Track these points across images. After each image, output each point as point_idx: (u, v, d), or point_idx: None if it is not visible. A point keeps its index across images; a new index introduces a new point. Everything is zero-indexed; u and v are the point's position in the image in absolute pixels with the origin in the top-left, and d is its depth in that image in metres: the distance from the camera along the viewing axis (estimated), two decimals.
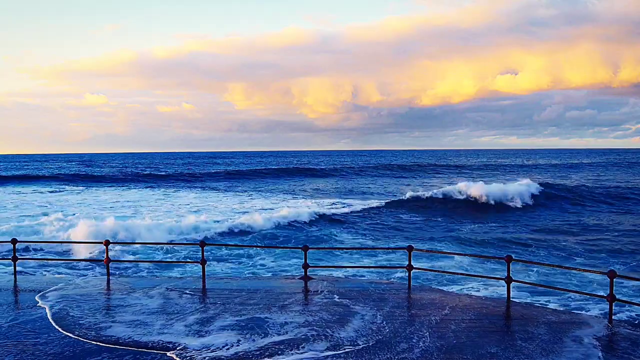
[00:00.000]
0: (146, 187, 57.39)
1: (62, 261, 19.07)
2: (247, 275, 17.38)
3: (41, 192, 50.23)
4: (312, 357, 7.28)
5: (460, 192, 39.99)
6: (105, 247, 12.43)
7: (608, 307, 9.15)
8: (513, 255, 11.22)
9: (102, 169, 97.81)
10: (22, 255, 15.75)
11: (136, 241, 22.51)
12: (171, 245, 21.52)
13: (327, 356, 7.32)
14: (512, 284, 10.21)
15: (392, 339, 7.99)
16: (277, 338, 8.03)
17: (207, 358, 7.27)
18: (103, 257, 12.76)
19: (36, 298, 10.50)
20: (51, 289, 11.27)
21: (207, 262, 13.15)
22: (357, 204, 38.13)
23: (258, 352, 7.44)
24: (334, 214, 33.29)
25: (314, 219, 30.81)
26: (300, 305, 9.89)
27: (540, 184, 43.88)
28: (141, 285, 11.66)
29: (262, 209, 35.91)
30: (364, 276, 16.79)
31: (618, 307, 13.06)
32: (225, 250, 21.22)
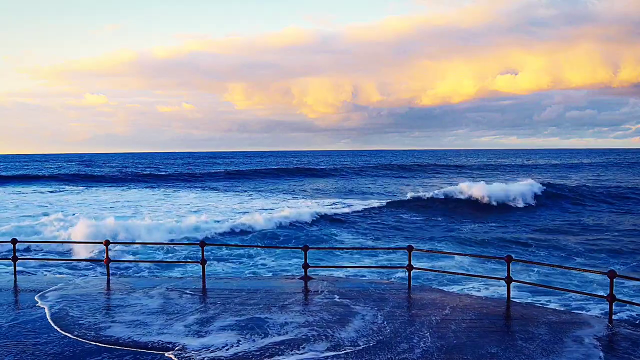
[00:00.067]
0: (146, 187, 57.38)
1: (62, 261, 19.06)
2: (248, 275, 17.38)
3: (41, 192, 50.22)
4: (313, 358, 7.26)
5: (461, 193, 39.93)
6: (105, 247, 12.42)
7: (608, 307, 9.14)
8: (513, 255, 11.22)
9: (102, 169, 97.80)
10: (22, 255, 15.74)
11: (136, 241, 22.49)
12: (171, 245, 21.51)
13: (328, 357, 7.30)
14: (513, 284, 10.20)
15: (393, 339, 7.97)
16: (277, 338, 8.01)
17: (206, 358, 7.26)
18: (103, 257, 12.75)
19: (35, 298, 10.48)
20: (51, 289, 11.25)
21: (208, 262, 13.15)
22: (357, 204, 38.12)
23: (258, 353, 7.42)
24: (334, 214, 33.27)
25: (314, 219, 30.79)
26: (301, 305, 9.87)
27: (541, 184, 43.88)
28: (141, 285, 11.64)
29: (262, 209, 35.89)
30: (364, 276, 16.78)
31: (618, 307, 13.05)
32: (226, 250, 21.21)
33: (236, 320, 8.90)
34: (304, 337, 8.07)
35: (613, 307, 9.15)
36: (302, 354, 7.39)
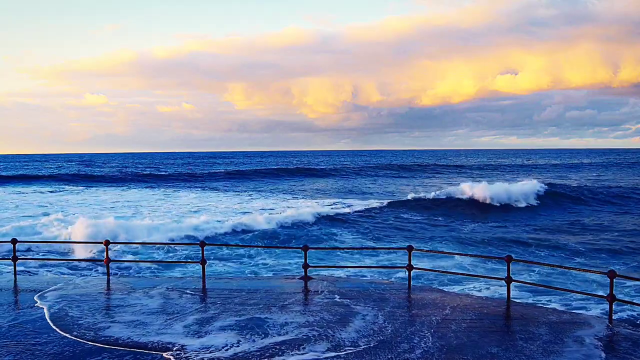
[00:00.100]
0: (146, 187, 57.36)
1: (63, 261, 19.04)
2: (248, 275, 17.36)
3: (41, 192, 50.21)
4: (314, 358, 7.24)
5: (462, 194, 39.76)
6: (105, 247, 12.40)
7: (608, 307, 9.13)
8: (515, 255, 11.22)
9: (102, 169, 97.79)
10: (22, 255, 15.72)
11: (136, 241, 22.48)
12: (171, 245, 21.50)
13: (329, 357, 7.28)
14: (514, 283, 10.19)
15: (393, 339, 7.96)
16: (277, 338, 7.99)
17: (205, 359, 7.24)
18: (103, 257, 12.73)
19: (35, 298, 10.45)
20: (50, 288, 11.23)
21: (208, 262, 13.13)
22: (357, 204, 38.10)
23: (258, 353, 7.40)
24: (334, 214, 33.23)
25: (314, 218, 30.76)
26: (301, 306, 9.85)
27: (543, 184, 43.83)
28: (141, 285, 11.62)
29: (263, 209, 35.89)
30: (365, 276, 16.77)
31: (619, 307, 13.04)
32: (226, 250, 21.20)
33: (236, 320, 8.88)
34: (304, 337, 8.04)
35: (613, 307, 9.14)
36: (302, 354, 7.36)
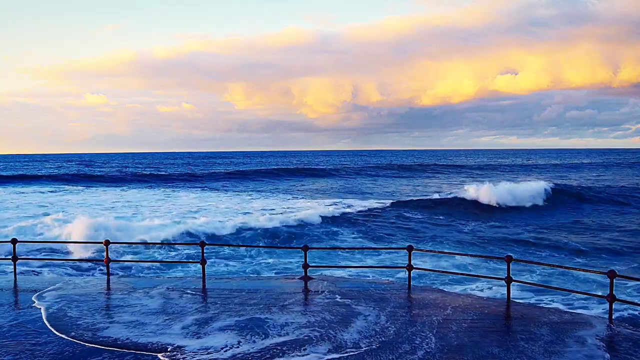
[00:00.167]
0: (146, 187, 57.31)
1: (62, 261, 19.01)
2: (248, 275, 17.33)
3: (41, 192, 50.16)
4: None
5: (467, 195, 39.53)
6: (105, 247, 12.38)
7: (608, 307, 9.11)
8: (516, 255, 11.20)
9: (102, 169, 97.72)
10: (22, 256, 15.69)
11: (136, 241, 22.46)
12: (172, 245, 21.48)
13: (330, 359, 7.25)
14: (515, 284, 10.16)
15: (395, 339, 7.93)
16: (277, 339, 7.96)
17: None
18: (103, 257, 12.71)
19: (33, 298, 10.41)
20: (49, 289, 11.19)
21: (209, 262, 13.11)
22: (358, 204, 38.06)
23: (258, 354, 7.36)
24: (334, 214, 33.18)
25: (314, 218, 30.71)
26: (301, 306, 9.83)
27: (552, 183, 43.79)
28: (141, 285, 11.60)
29: (263, 209, 35.86)
30: (367, 276, 16.75)
31: (619, 306, 13.02)
32: (227, 251, 21.17)
33: (236, 321, 8.85)
34: (305, 338, 8.01)
35: (614, 307, 9.12)
36: (303, 355, 7.31)
